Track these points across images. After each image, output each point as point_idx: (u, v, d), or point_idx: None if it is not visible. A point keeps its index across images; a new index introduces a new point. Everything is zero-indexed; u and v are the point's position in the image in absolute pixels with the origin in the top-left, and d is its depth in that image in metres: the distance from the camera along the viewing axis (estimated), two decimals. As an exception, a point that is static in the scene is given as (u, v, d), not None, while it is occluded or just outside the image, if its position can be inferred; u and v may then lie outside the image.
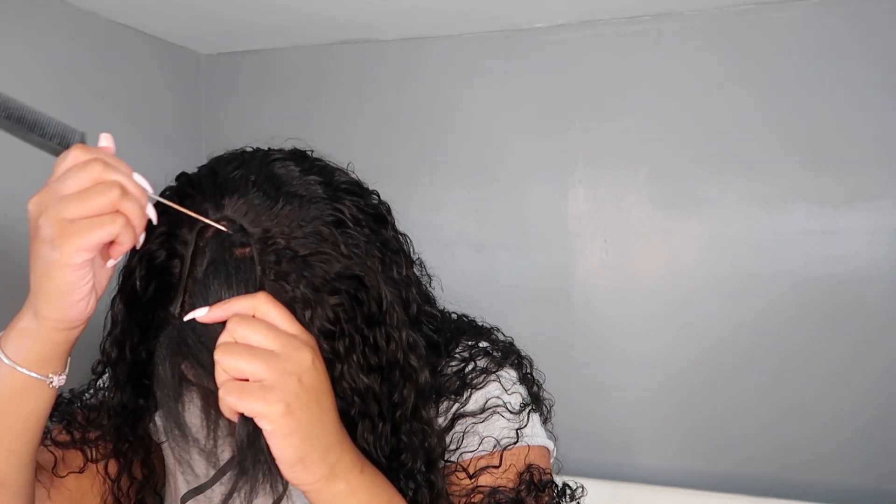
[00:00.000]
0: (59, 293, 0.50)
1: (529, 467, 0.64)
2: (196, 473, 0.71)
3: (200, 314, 0.52)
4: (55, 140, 0.54)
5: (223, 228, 0.54)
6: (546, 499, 0.64)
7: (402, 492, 0.60)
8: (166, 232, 0.56)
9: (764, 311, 1.33)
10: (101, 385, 0.70)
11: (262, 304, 0.51)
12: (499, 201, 1.48)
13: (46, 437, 0.68)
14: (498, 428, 0.65)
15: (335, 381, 0.55)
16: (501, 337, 0.75)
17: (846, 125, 1.28)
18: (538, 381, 0.73)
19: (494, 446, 0.64)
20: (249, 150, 0.62)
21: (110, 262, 0.54)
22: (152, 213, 0.54)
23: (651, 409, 1.40)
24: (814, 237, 1.30)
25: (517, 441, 0.65)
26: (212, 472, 0.59)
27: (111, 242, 0.51)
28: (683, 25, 1.36)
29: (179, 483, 0.72)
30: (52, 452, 0.67)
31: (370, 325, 0.57)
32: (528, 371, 0.72)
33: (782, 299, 1.32)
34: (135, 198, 0.51)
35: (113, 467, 0.69)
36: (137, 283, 0.56)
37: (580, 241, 1.43)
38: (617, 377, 1.42)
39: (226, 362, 0.49)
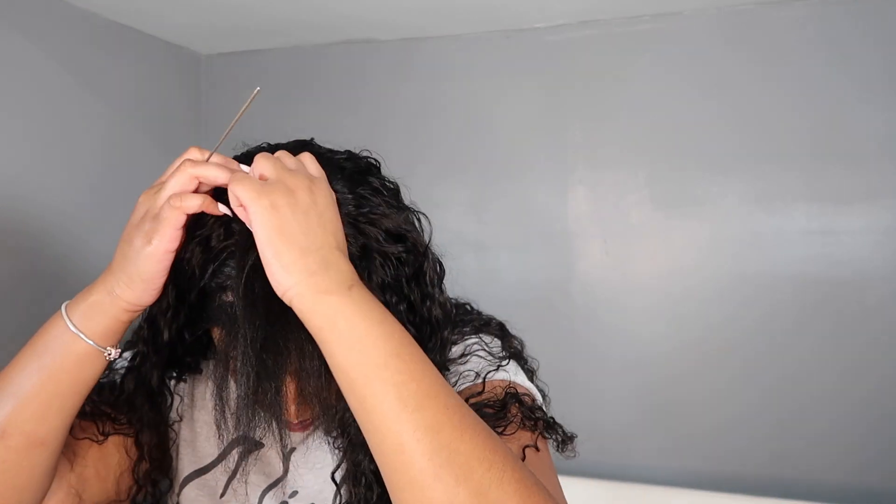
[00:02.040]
0: (143, 279, 0.56)
1: (514, 387, 0.66)
2: (200, 456, 0.73)
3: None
4: None
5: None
6: (535, 410, 0.65)
7: None
8: (221, 220, 0.58)
9: (764, 310, 1.33)
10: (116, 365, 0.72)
11: (302, 152, 0.59)
12: (499, 201, 1.48)
13: None
14: (479, 364, 0.68)
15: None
16: (495, 321, 0.78)
17: (846, 125, 1.28)
18: (531, 366, 0.75)
19: (476, 377, 0.67)
20: (266, 144, 0.67)
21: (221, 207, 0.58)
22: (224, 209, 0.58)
23: (651, 409, 1.40)
24: (814, 237, 1.30)
25: (497, 372, 0.67)
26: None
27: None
28: (683, 25, 1.36)
29: (184, 464, 0.74)
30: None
31: (410, 284, 0.62)
32: (514, 347, 0.74)
33: (782, 299, 1.32)
34: (208, 165, 0.57)
35: (131, 447, 0.71)
36: (196, 265, 0.58)
37: (580, 241, 1.43)
38: (616, 376, 1.42)
39: (258, 163, 0.56)
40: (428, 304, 0.64)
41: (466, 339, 0.71)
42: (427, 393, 0.50)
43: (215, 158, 0.58)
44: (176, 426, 0.75)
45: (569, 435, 0.67)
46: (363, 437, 0.57)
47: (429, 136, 1.53)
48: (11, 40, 1.18)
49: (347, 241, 0.57)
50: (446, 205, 1.51)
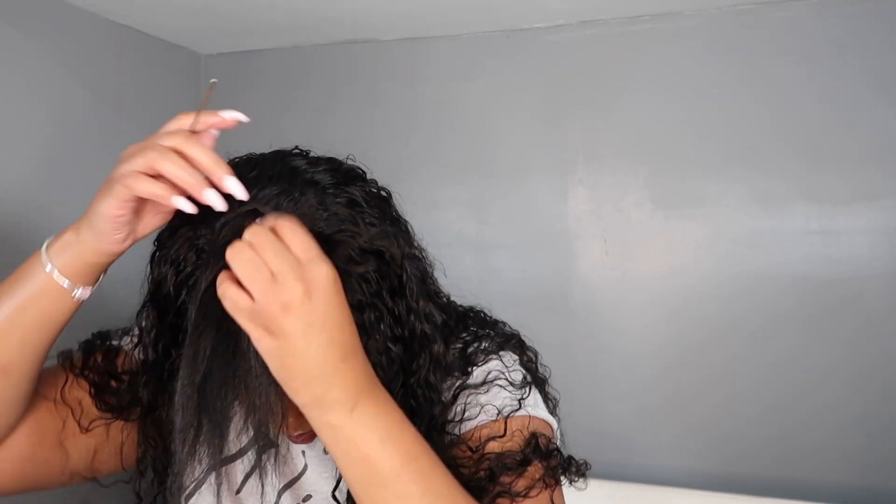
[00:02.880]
0: (98, 230, 0.57)
1: (534, 434, 0.65)
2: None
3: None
4: None
5: (258, 206, 0.57)
6: (554, 462, 0.65)
7: None
8: (191, 235, 0.58)
9: (764, 310, 1.33)
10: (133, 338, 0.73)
11: (283, 223, 0.53)
12: (499, 201, 1.48)
13: (67, 360, 0.72)
14: (500, 398, 0.67)
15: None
16: (508, 329, 0.77)
17: (846, 125, 1.28)
18: (543, 374, 0.75)
19: (497, 415, 0.66)
20: (256, 154, 0.66)
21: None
22: (213, 200, 0.56)
23: (651, 409, 1.40)
24: (814, 237, 1.30)
25: (519, 409, 0.67)
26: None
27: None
28: (683, 25, 1.36)
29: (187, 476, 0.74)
30: (66, 372, 0.71)
31: (393, 298, 0.61)
32: (532, 361, 0.74)
33: (782, 299, 1.32)
34: (177, 162, 0.55)
35: (131, 438, 0.72)
36: (170, 288, 0.59)
37: (580, 241, 1.43)
38: (616, 376, 1.42)
39: (234, 264, 0.52)
40: (412, 318, 0.63)
41: (489, 362, 0.69)
42: None
43: (197, 151, 0.57)
44: None
45: (580, 467, 0.69)
46: None
47: (429, 136, 1.52)
48: (11, 40, 1.18)
49: None
50: (446, 205, 1.51)
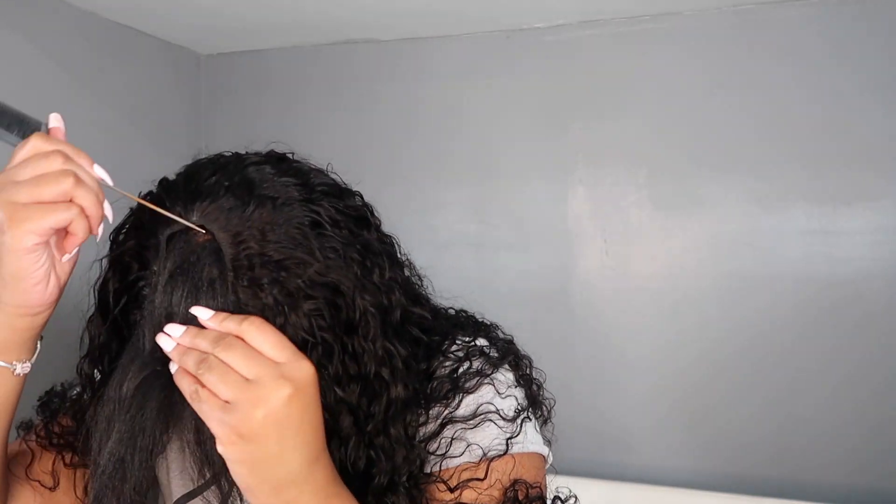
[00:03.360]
0: (14, 277, 0.50)
1: (515, 483, 0.60)
2: (191, 477, 0.69)
3: (203, 314, 0.52)
4: (14, 129, 0.56)
5: (193, 227, 0.53)
6: None
7: None
8: (137, 244, 0.55)
9: (763, 310, 1.33)
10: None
11: (249, 328, 0.50)
12: (499, 201, 1.48)
13: (30, 433, 0.68)
14: (488, 437, 0.61)
15: None
16: (501, 334, 0.71)
17: (846, 125, 1.28)
18: (538, 380, 0.70)
19: (482, 456, 0.60)
20: (227, 154, 0.60)
21: (65, 257, 0.53)
22: (108, 210, 0.53)
23: (651, 409, 1.40)
24: (814, 237, 1.30)
25: (506, 451, 0.61)
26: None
27: (66, 233, 0.52)
28: (683, 25, 1.36)
29: (175, 487, 0.71)
30: (30, 450, 0.67)
31: (348, 334, 0.55)
32: (527, 371, 0.69)
33: (782, 299, 1.32)
34: (90, 188, 0.50)
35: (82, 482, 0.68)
36: (111, 297, 0.56)
37: (580, 241, 1.43)
38: (617, 377, 1.42)
39: (204, 374, 0.48)
40: (366, 359, 0.56)
41: (480, 388, 0.63)
42: None
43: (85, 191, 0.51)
44: (164, 451, 0.71)
45: (566, 500, 0.65)
46: (333, 456, 0.55)
47: (429, 136, 1.52)
48: (11, 40, 1.18)
49: (263, 289, 0.52)
50: (447, 205, 1.51)
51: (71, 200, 0.50)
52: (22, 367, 0.56)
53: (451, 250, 1.50)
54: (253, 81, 1.63)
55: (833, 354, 1.30)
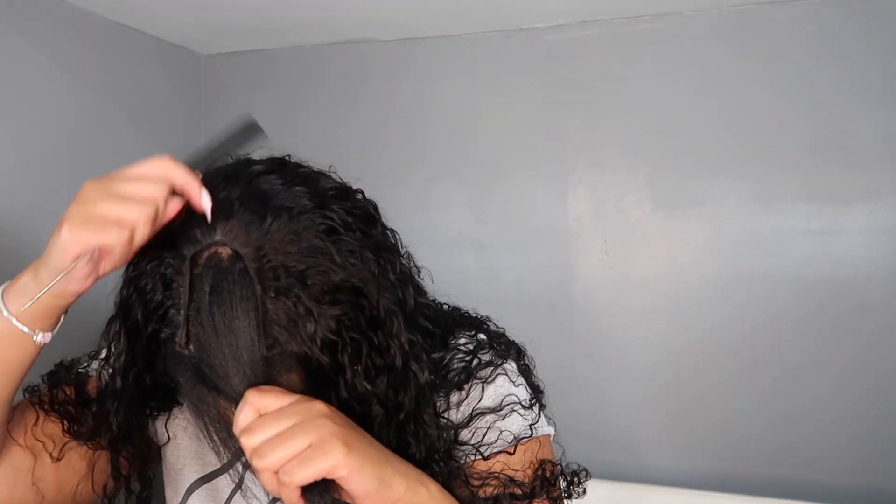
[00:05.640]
0: (57, 269, 0.54)
1: (542, 463, 0.67)
2: (205, 463, 0.72)
3: None
4: (241, 139, 0.62)
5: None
6: (556, 493, 0.67)
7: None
8: (157, 263, 0.56)
9: (764, 310, 1.33)
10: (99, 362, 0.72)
11: (249, 398, 0.53)
12: (499, 201, 1.48)
13: (34, 395, 0.70)
14: (516, 424, 0.67)
15: (340, 392, 0.57)
16: (493, 327, 0.76)
17: (846, 125, 1.28)
18: (529, 364, 0.75)
19: (514, 442, 0.67)
20: (231, 164, 0.62)
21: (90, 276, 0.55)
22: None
23: (651, 409, 1.40)
24: (814, 237, 1.30)
25: (531, 436, 0.68)
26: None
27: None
28: (683, 25, 1.36)
29: (188, 476, 0.73)
30: (34, 410, 0.69)
31: (373, 330, 0.58)
32: (526, 364, 0.74)
33: (782, 299, 1.32)
34: (148, 224, 0.53)
35: (102, 463, 0.70)
36: (139, 316, 0.57)
37: (580, 241, 1.43)
38: (617, 376, 1.42)
39: (271, 459, 0.51)
40: (392, 352, 0.59)
41: (497, 379, 0.69)
42: None
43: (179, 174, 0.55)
44: (176, 439, 0.74)
45: (581, 478, 0.70)
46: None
47: (429, 136, 1.52)
48: (10, 40, 1.18)
49: (290, 298, 0.54)
50: (446, 205, 1.51)
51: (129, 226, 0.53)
52: (43, 337, 0.59)
53: (451, 250, 1.50)
54: (253, 81, 1.63)
55: (833, 354, 1.30)
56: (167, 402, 0.70)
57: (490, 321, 0.76)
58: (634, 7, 1.34)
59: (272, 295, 0.53)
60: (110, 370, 0.62)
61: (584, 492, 0.70)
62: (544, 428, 0.70)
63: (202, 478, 0.72)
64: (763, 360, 1.33)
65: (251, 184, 0.57)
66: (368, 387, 0.57)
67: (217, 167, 0.61)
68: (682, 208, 1.37)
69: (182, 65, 1.61)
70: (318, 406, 0.54)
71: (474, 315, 0.77)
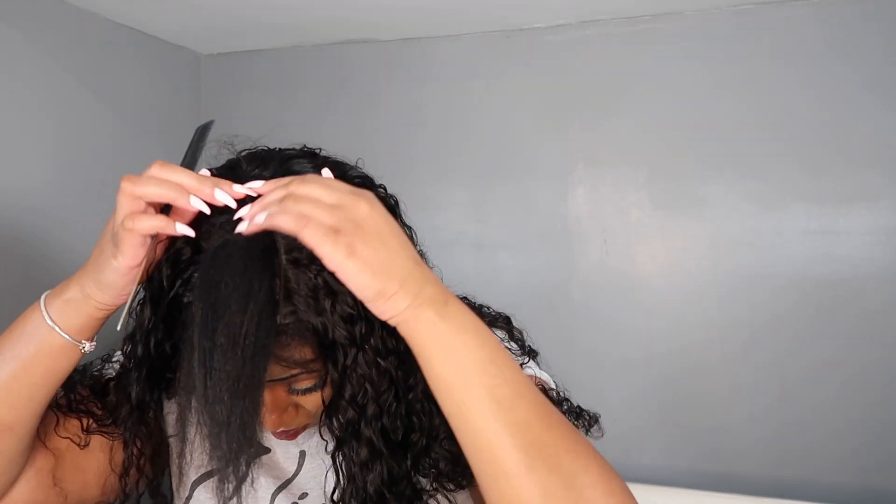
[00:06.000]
0: (109, 287, 0.57)
1: (543, 387, 0.68)
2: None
3: (257, 185, 0.56)
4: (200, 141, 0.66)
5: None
6: (565, 408, 0.69)
7: (421, 468, 0.63)
8: (191, 236, 0.57)
9: (763, 310, 1.33)
10: (110, 364, 0.74)
11: (305, 178, 0.55)
12: (499, 201, 1.48)
13: (53, 401, 0.70)
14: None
15: (351, 367, 0.57)
16: (493, 311, 0.78)
17: (846, 125, 1.28)
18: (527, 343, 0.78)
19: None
20: (265, 148, 0.65)
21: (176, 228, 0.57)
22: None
23: (651, 409, 1.40)
24: (814, 237, 1.30)
25: (524, 364, 0.69)
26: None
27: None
28: (683, 25, 1.36)
29: (193, 467, 0.74)
30: (54, 414, 0.70)
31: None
32: (520, 339, 0.77)
33: (781, 299, 1.32)
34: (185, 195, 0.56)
35: (118, 452, 0.71)
36: (164, 281, 0.58)
37: (580, 241, 1.44)
38: (616, 376, 1.42)
39: (301, 191, 0.52)
40: None
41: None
42: (518, 393, 0.53)
43: (179, 175, 0.56)
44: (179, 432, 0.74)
45: (592, 417, 0.73)
46: (364, 457, 0.58)
47: (429, 136, 1.52)
48: (10, 40, 1.18)
49: (311, 270, 0.55)
50: (446, 205, 1.51)
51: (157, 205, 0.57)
52: (89, 346, 0.62)
53: (451, 250, 1.50)
54: (253, 81, 1.63)
55: (833, 354, 1.30)
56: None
57: (490, 308, 0.78)
58: (634, 7, 1.34)
59: (294, 266, 0.55)
60: (131, 344, 0.63)
61: (601, 433, 0.72)
62: (544, 376, 0.72)
63: (206, 473, 0.73)
64: (763, 359, 1.33)
65: (283, 165, 0.61)
66: (382, 363, 0.58)
67: (253, 148, 0.64)
68: (682, 208, 1.37)
69: (182, 65, 1.61)
70: (361, 205, 0.53)
71: (495, 313, 0.79)
